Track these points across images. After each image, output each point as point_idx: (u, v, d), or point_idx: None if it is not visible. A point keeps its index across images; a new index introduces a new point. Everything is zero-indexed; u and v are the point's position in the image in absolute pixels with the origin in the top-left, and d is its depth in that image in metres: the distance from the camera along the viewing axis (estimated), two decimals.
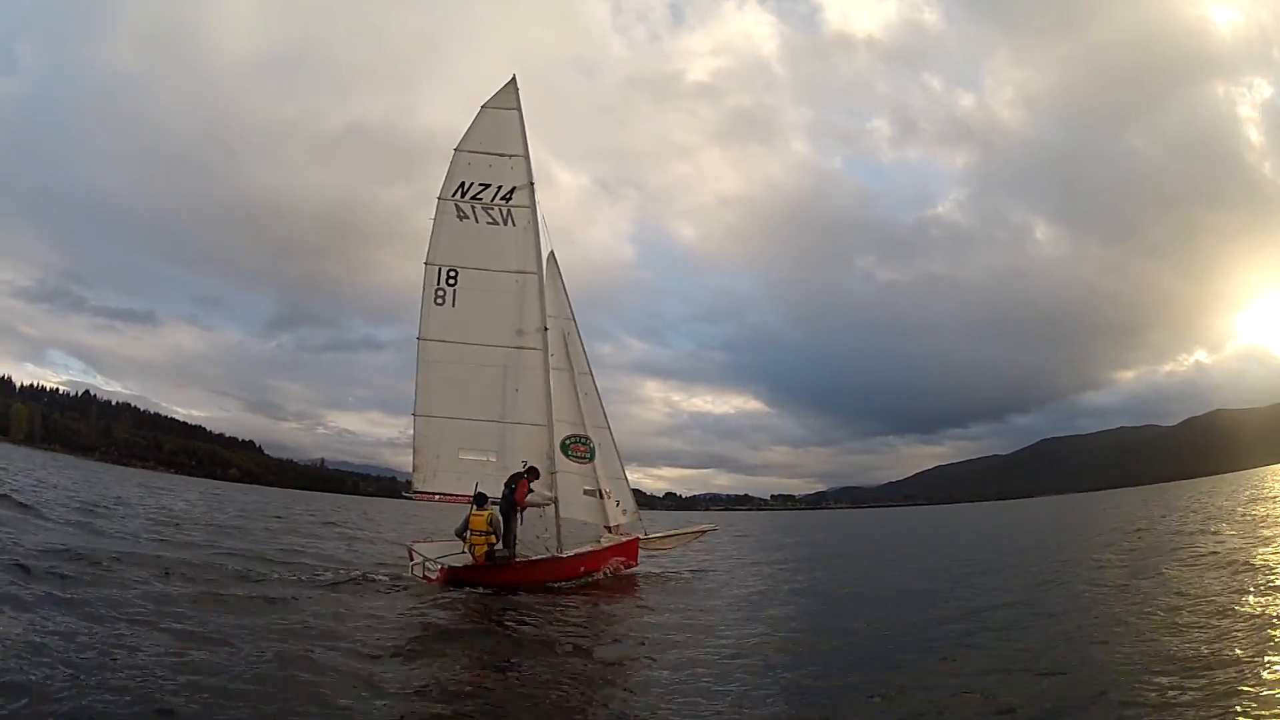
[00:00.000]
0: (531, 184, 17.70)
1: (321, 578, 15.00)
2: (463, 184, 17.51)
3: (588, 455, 18.62)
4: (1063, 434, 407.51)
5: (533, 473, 16.95)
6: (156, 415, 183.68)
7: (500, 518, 16.22)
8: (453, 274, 17.37)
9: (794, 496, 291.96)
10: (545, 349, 17.55)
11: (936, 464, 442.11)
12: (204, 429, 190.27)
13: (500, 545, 16.07)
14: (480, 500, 16.15)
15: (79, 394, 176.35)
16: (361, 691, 7.43)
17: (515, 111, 17.77)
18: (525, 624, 11.99)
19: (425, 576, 15.89)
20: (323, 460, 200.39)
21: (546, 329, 17.61)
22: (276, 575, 14.73)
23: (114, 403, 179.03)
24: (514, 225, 17.61)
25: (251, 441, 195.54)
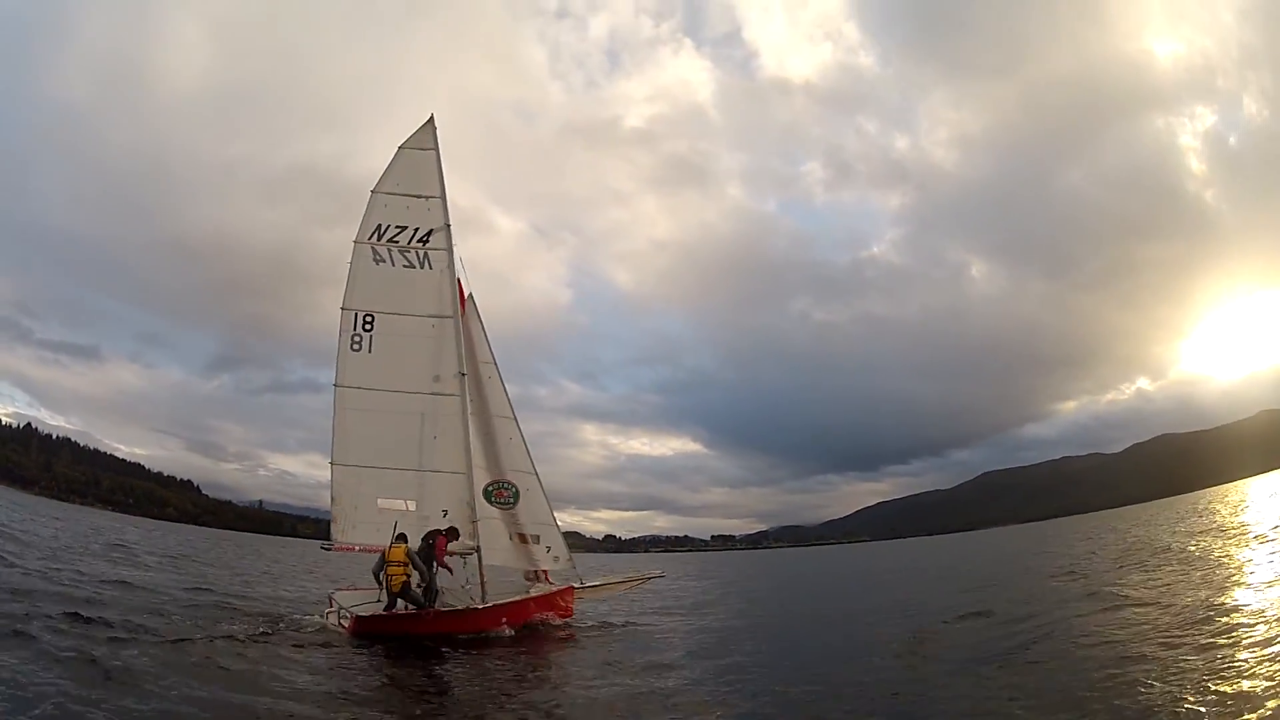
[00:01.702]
0: (448, 226, 17.37)
1: (227, 626, 14.33)
2: (379, 226, 17.13)
3: (510, 500, 18.19)
4: (1004, 466, 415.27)
5: (451, 533, 16.52)
6: (96, 451, 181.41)
7: (414, 557, 15.67)
8: (369, 319, 16.92)
9: (734, 537, 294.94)
10: (464, 395, 17.13)
11: (878, 500, 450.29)
12: (143, 467, 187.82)
13: (417, 580, 15.66)
14: (401, 537, 15.72)
15: (21, 426, 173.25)
16: None
17: (433, 152, 17.46)
18: (420, 681, 11.57)
19: (340, 625, 15.47)
20: (260, 502, 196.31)
21: (464, 374, 17.20)
22: (177, 618, 14.13)
23: (55, 437, 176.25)
24: (430, 268, 17.23)
25: (190, 481, 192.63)
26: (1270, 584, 13.52)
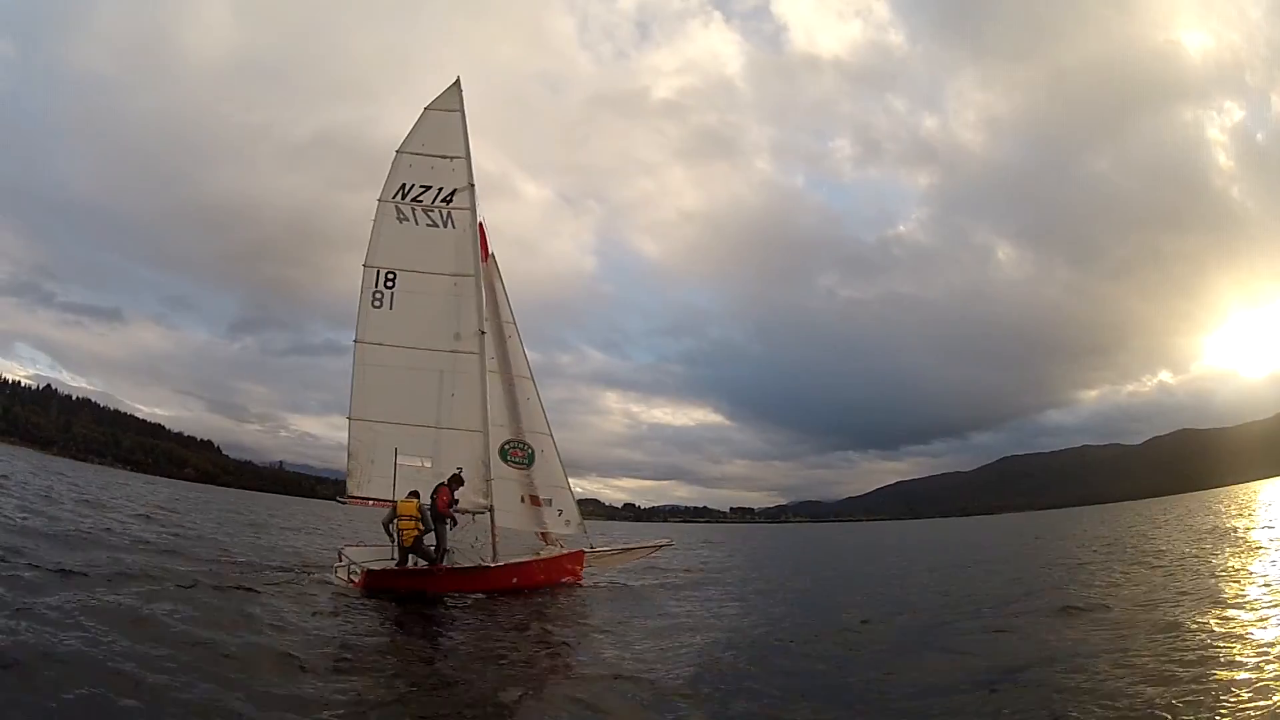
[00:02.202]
0: (472, 185, 17.48)
1: (240, 575, 14.65)
2: (403, 186, 17.28)
3: (525, 460, 18.36)
4: (1025, 452, 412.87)
5: (454, 481, 16.55)
6: (116, 412, 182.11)
7: (425, 513, 15.87)
8: (391, 276, 17.11)
9: (753, 510, 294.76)
10: (483, 353, 17.30)
11: (897, 480, 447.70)
12: (163, 427, 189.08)
13: (430, 539, 15.86)
14: (412, 493, 15.97)
15: (41, 387, 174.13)
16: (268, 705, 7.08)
17: (458, 113, 17.54)
18: (423, 637, 11.65)
19: (350, 580, 15.62)
20: (281, 463, 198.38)
21: (484, 333, 17.37)
22: (186, 570, 14.24)
23: (74, 398, 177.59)
24: (453, 227, 17.37)
25: (210, 441, 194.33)
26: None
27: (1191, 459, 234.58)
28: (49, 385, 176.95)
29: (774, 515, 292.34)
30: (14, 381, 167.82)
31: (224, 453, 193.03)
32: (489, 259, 18.00)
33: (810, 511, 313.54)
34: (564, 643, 11.47)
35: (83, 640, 8.24)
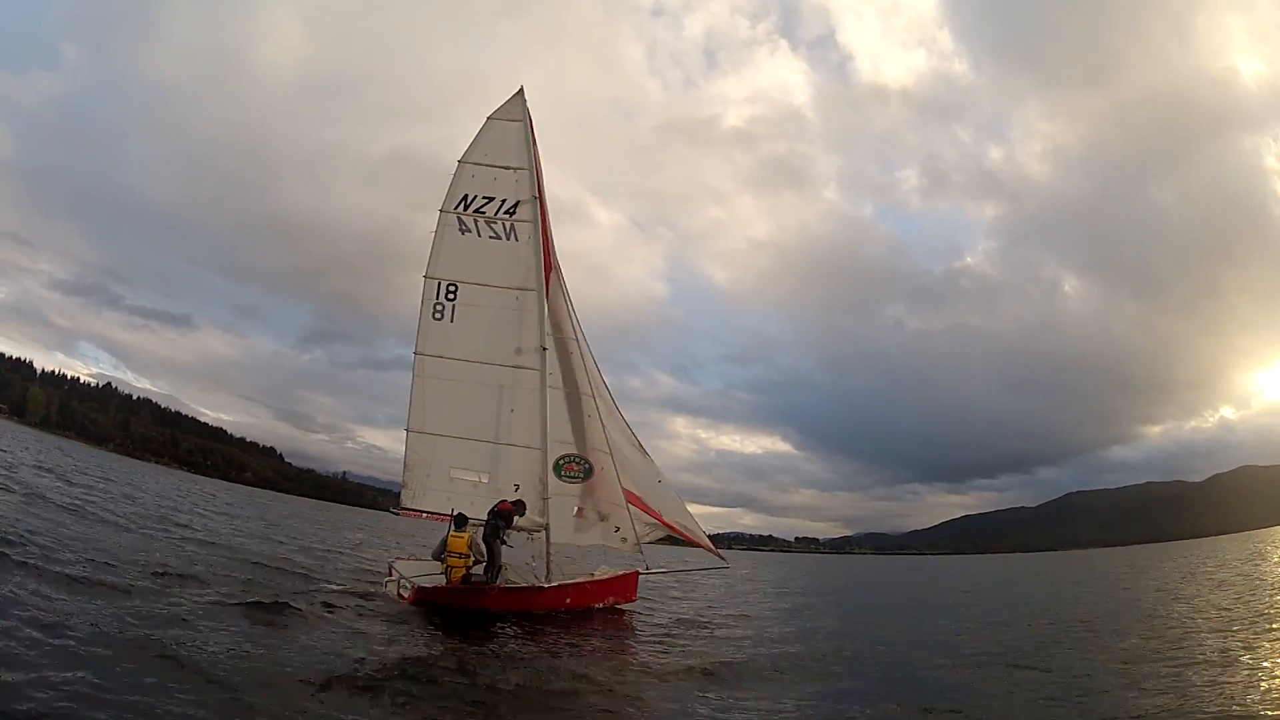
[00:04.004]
0: (535, 198, 17.16)
1: (292, 585, 14.64)
2: (465, 196, 17.03)
3: (580, 475, 17.86)
4: (1089, 488, 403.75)
5: (519, 506, 16.28)
6: (177, 414, 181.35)
7: (481, 543, 15.62)
8: (452, 289, 16.88)
9: (818, 540, 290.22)
10: (544, 369, 16.93)
11: (963, 513, 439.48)
12: (225, 432, 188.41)
13: (479, 571, 15.55)
14: (460, 522, 15.56)
15: (100, 385, 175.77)
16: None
17: (522, 124, 17.25)
18: (473, 657, 11.36)
19: (399, 595, 15.48)
20: (345, 473, 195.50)
21: (545, 349, 17.01)
22: (236, 578, 14.30)
23: (135, 397, 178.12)
24: (517, 240, 17.07)
25: (273, 448, 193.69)
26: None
27: (1253, 496, 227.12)
28: (109, 383, 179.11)
29: (839, 546, 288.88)
30: (74, 378, 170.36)
31: (287, 460, 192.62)
32: (553, 271, 17.60)
33: (875, 543, 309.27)
34: (603, 682, 11.08)
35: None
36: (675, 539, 19.45)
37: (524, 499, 16.57)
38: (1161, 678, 10.36)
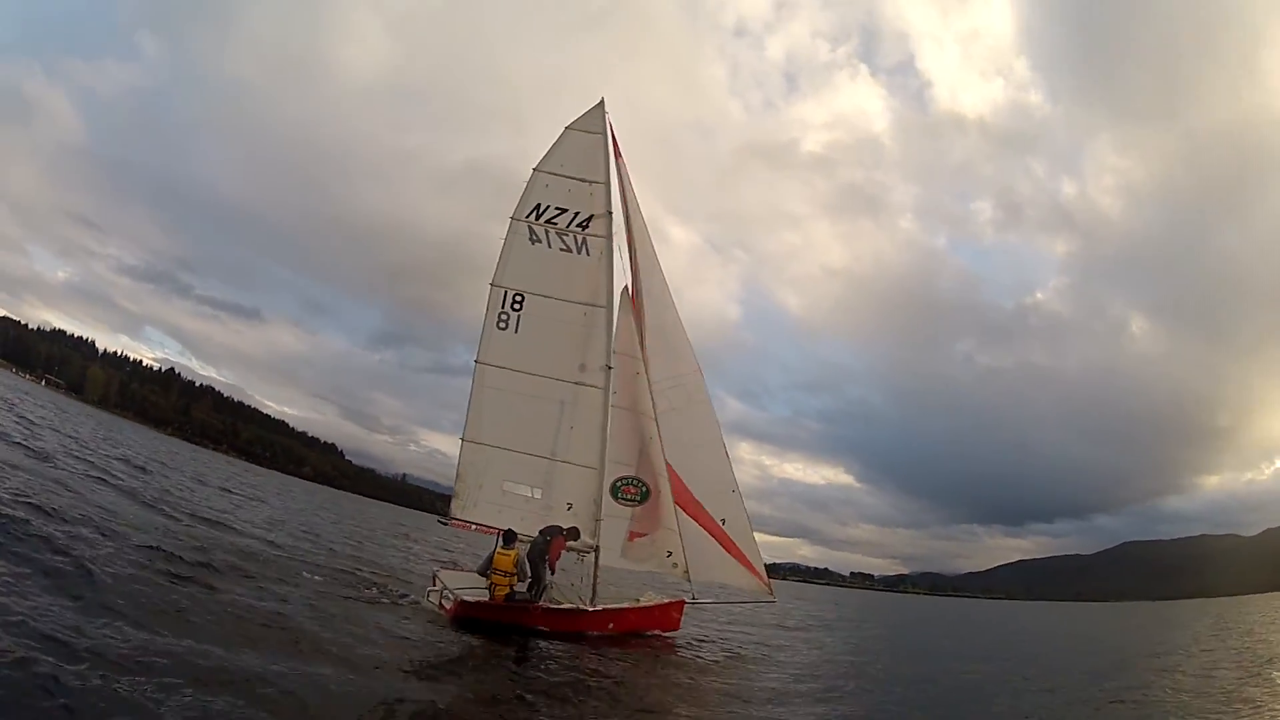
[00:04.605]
0: (610, 213, 16.82)
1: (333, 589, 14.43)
2: (538, 206, 16.75)
3: (637, 498, 17.40)
4: (1144, 538, 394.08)
5: (572, 533, 15.93)
6: (240, 403, 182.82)
7: (527, 561, 15.24)
8: (519, 299, 16.57)
9: (873, 576, 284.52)
10: (607, 389, 16.53)
11: (1018, 558, 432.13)
12: (286, 424, 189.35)
13: (523, 588, 15.19)
14: (509, 539, 15.23)
15: (164, 370, 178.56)
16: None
17: (601, 136, 16.96)
18: (529, 674, 11.29)
19: (441, 605, 15.21)
20: (405, 475, 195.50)
21: (611, 368, 16.61)
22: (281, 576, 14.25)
23: (198, 384, 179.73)
24: (588, 254, 16.72)
25: (334, 445, 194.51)
26: None
27: None
28: (173, 369, 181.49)
29: (893, 584, 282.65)
30: (136, 360, 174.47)
31: (348, 458, 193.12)
32: (623, 291, 17.25)
33: (930, 583, 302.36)
34: (640, 695, 11.07)
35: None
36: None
37: (577, 523, 16.19)
38: None
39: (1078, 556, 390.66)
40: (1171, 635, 33.24)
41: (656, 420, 17.15)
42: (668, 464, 17.48)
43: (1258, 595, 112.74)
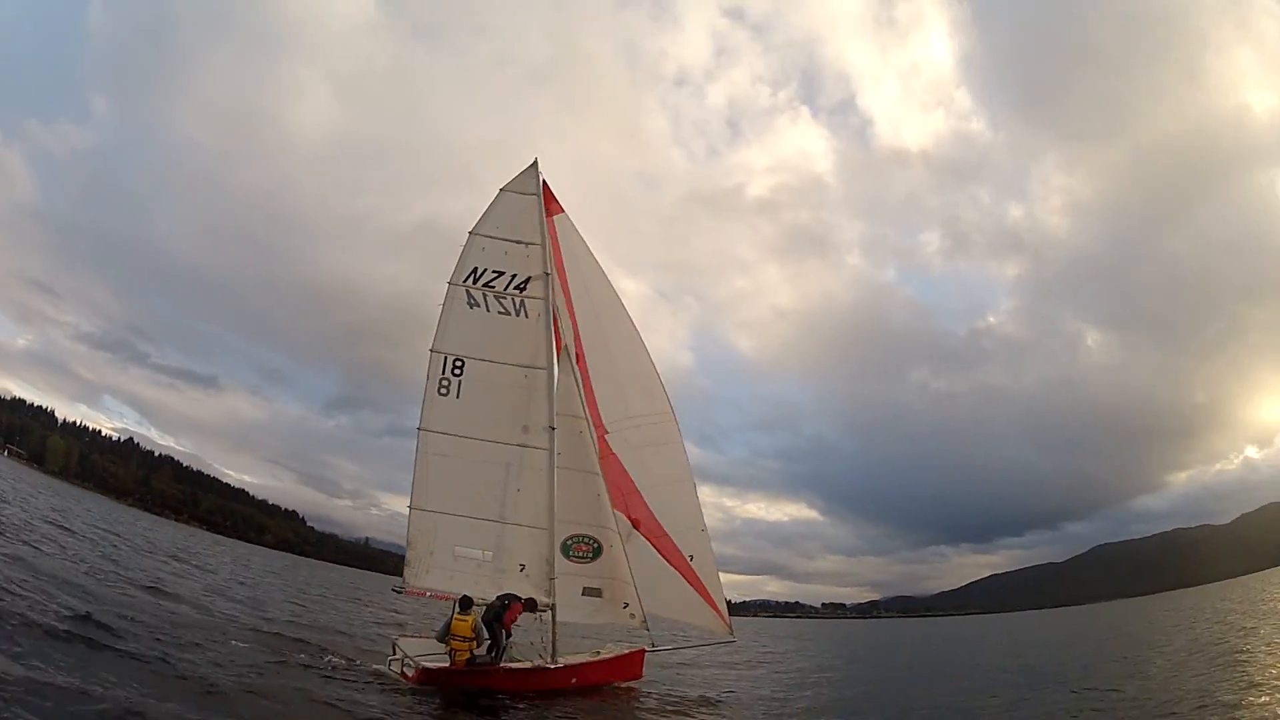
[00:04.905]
0: (547, 274, 16.99)
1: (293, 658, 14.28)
2: (475, 269, 16.86)
3: (589, 555, 17.37)
4: (1117, 539, 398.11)
5: (530, 605, 15.98)
6: (199, 473, 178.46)
7: (483, 625, 15.23)
8: (459, 364, 16.61)
9: (845, 605, 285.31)
10: (552, 449, 16.56)
11: (990, 573, 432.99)
12: (246, 493, 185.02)
13: (482, 651, 15.19)
14: (465, 604, 15.18)
15: (122, 439, 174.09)
16: None
17: (535, 197, 17.19)
18: None
19: (403, 674, 15.14)
20: (368, 539, 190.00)
21: (554, 428, 16.66)
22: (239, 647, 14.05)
23: (157, 454, 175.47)
24: (526, 316, 16.85)
25: (295, 512, 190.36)
26: None
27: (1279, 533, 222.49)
28: (131, 438, 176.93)
29: (865, 611, 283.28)
30: (95, 430, 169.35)
31: (309, 524, 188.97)
32: (562, 350, 17.36)
33: (902, 606, 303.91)
34: None
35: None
36: None
37: (529, 580, 16.19)
38: None
39: (1050, 565, 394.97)
40: (1135, 630, 33.81)
41: (603, 476, 17.21)
42: (640, 496, 17.74)
43: (1236, 580, 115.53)
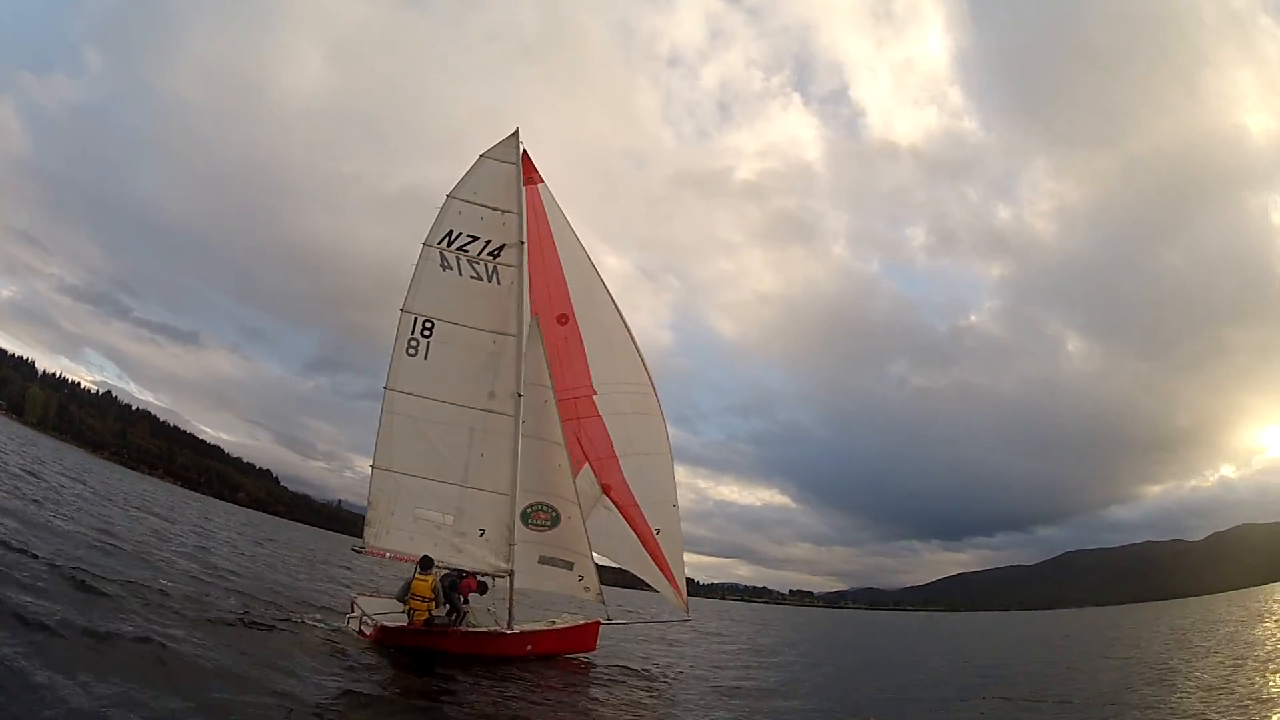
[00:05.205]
0: (522, 243, 16.97)
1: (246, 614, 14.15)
2: (450, 233, 16.81)
3: (548, 523, 17.46)
4: (1087, 547, 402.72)
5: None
6: (175, 428, 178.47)
7: (442, 587, 15.45)
8: (429, 325, 16.59)
9: (813, 594, 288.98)
10: (518, 416, 16.60)
11: (959, 571, 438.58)
12: (221, 450, 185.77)
13: (441, 613, 15.46)
14: (426, 565, 15.30)
15: (100, 393, 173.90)
16: None
17: (514, 166, 17.16)
18: (427, 698, 11.37)
19: (360, 631, 15.29)
20: (339, 501, 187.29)
21: (521, 395, 16.69)
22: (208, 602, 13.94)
23: (135, 408, 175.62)
24: (498, 283, 16.83)
25: (269, 471, 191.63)
26: None
27: (1252, 554, 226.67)
28: (110, 392, 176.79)
29: (833, 601, 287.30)
30: (75, 383, 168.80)
31: (283, 484, 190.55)
32: (530, 322, 17.34)
33: (870, 599, 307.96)
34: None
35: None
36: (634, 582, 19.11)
37: (489, 546, 16.32)
38: None
39: (1020, 567, 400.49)
40: (1091, 642, 34.24)
41: (565, 446, 17.28)
42: (617, 462, 18.17)
43: (1203, 597, 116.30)
